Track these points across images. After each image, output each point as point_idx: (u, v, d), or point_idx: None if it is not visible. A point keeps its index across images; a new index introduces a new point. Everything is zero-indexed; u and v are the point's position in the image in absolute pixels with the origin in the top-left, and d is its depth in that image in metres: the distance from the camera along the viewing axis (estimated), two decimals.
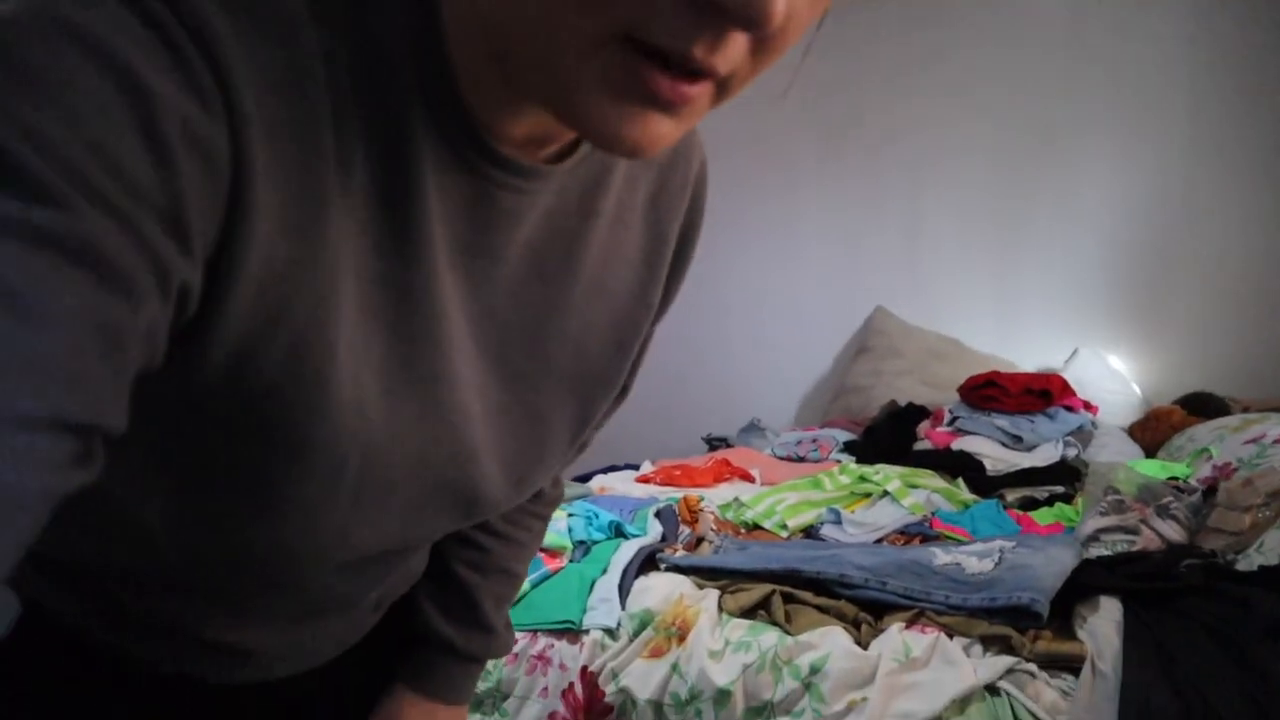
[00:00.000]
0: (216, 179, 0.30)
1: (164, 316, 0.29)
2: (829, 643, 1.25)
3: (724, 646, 1.30)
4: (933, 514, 1.80)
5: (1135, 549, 1.52)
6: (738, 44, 0.31)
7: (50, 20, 0.25)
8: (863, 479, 1.97)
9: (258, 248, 0.32)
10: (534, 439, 0.52)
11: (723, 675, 1.26)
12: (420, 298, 0.41)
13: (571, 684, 1.35)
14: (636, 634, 1.36)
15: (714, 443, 2.90)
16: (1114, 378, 2.89)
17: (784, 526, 1.75)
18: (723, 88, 0.34)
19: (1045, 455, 2.21)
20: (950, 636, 1.23)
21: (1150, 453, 2.31)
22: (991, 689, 1.15)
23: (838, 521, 1.75)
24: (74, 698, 0.54)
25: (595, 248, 0.49)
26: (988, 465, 2.17)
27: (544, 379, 0.51)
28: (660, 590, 1.42)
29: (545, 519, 0.75)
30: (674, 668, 1.29)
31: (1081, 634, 1.20)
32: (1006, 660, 1.17)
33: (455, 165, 0.39)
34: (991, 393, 2.41)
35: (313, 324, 0.36)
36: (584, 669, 1.35)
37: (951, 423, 2.41)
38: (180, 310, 0.31)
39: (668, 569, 1.52)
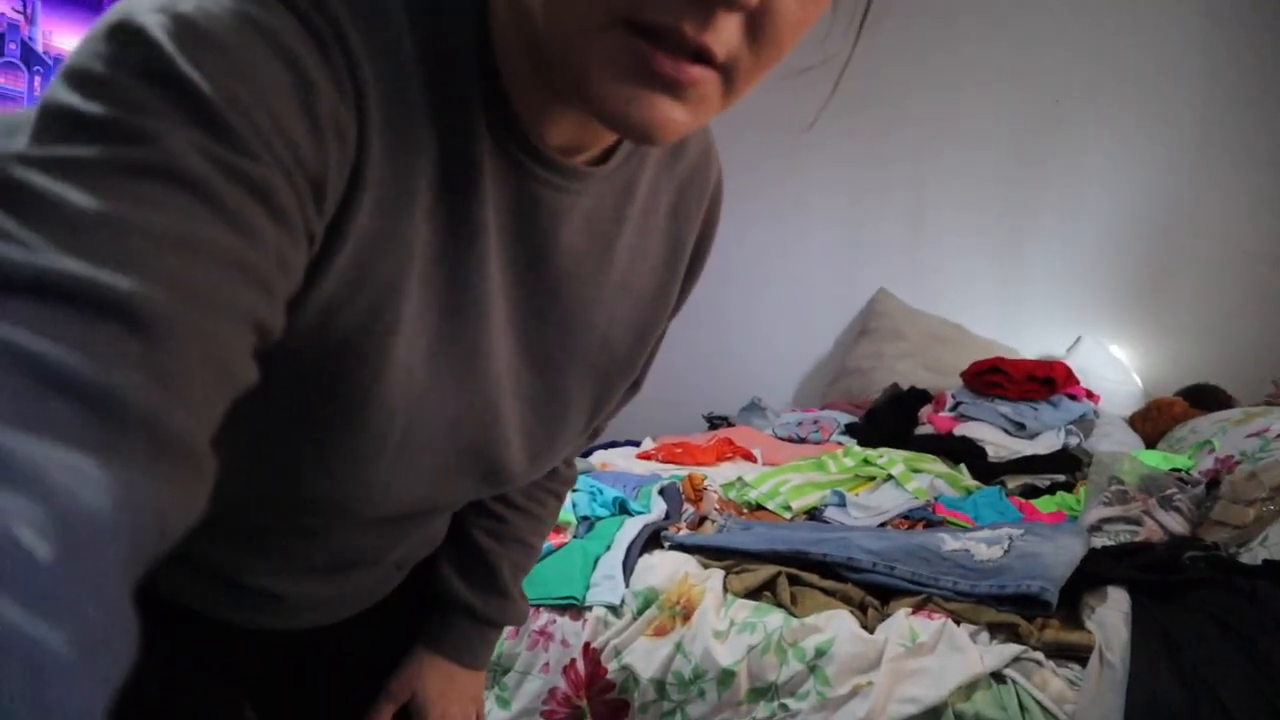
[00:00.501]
0: (345, 159, 0.36)
1: (303, 263, 0.35)
2: (835, 626, 1.25)
3: (729, 627, 1.29)
4: (936, 499, 1.80)
5: (1138, 540, 1.52)
6: (728, 25, 0.34)
7: (241, 15, 0.32)
8: (866, 462, 1.97)
9: (361, 219, 0.38)
10: (554, 420, 0.57)
11: (727, 656, 1.25)
12: (471, 278, 0.45)
13: (573, 660, 1.35)
14: (640, 612, 1.36)
15: (715, 421, 2.89)
16: (1115, 367, 2.88)
17: (788, 508, 1.74)
18: (728, 79, 0.36)
19: (1047, 443, 2.21)
20: (957, 623, 1.23)
21: (1151, 444, 2.31)
22: (998, 676, 1.15)
23: (841, 504, 1.75)
24: None
25: (623, 249, 0.54)
26: (989, 452, 2.17)
27: (571, 367, 0.55)
28: (665, 569, 1.42)
29: (560, 497, 0.78)
30: (678, 647, 1.29)
31: (1089, 624, 1.20)
32: (1014, 648, 1.17)
33: (505, 161, 0.44)
34: (995, 379, 2.40)
35: (388, 290, 0.41)
36: (586, 645, 1.35)
37: (954, 408, 2.40)
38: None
39: (672, 547, 1.51)
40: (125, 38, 0.30)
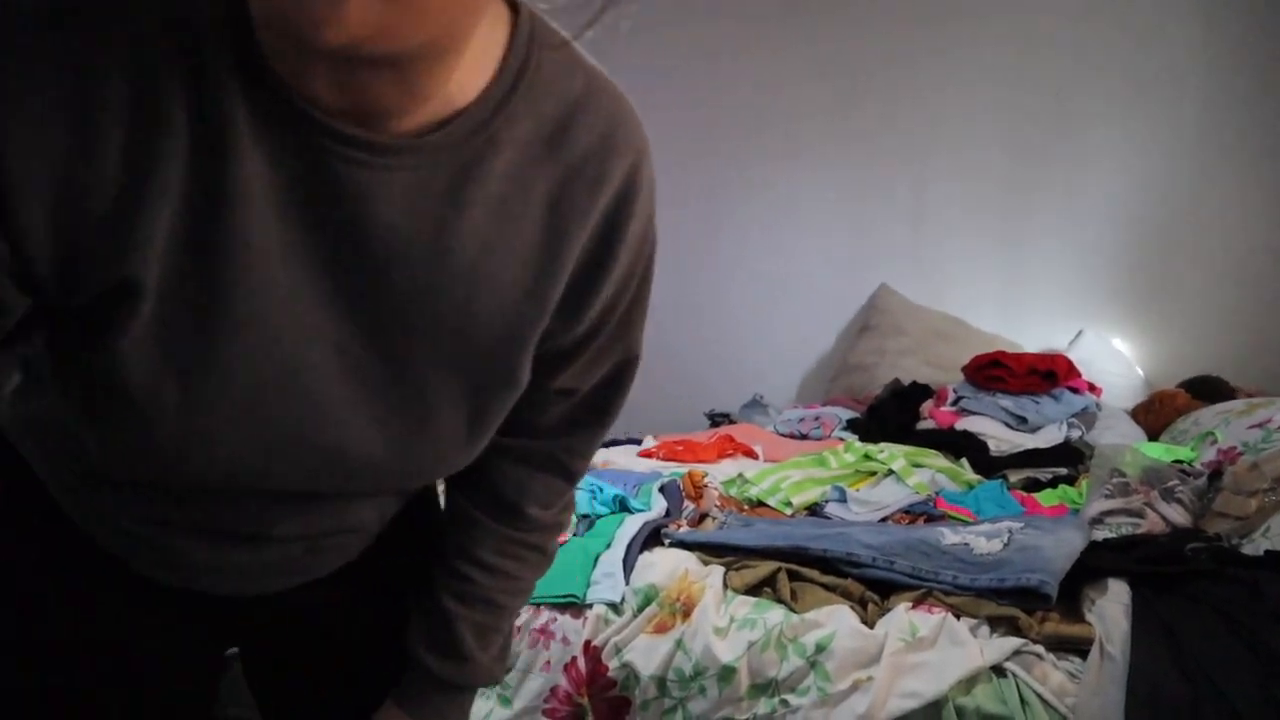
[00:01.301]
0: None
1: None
2: (835, 621, 1.25)
3: (729, 623, 1.29)
4: (937, 493, 1.79)
5: (1140, 532, 1.52)
6: None
7: None
8: (867, 457, 1.96)
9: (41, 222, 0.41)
10: (419, 417, 0.55)
11: (728, 652, 1.25)
12: (225, 247, 0.45)
13: (574, 658, 1.35)
14: (641, 609, 1.36)
15: (716, 419, 2.89)
16: (1117, 360, 2.88)
17: (788, 504, 1.74)
18: None
19: (1049, 437, 2.20)
20: (957, 617, 1.22)
21: (1153, 436, 2.30)
22: (998, 670, 1.15)
23: (842, 500, 1.75)
24: (44, 569, 0.63)
25: (469, 235, 0.50)
26: (991, 446, 2.16)
27: (422, 355, 0.53)
28: (665, 566, 1.42)
29: (540, 549, 0.72)
30: (678, 644, 1.29)
31: (1090, 616, 1.20)
32: (1014, 641, 1.17)
33: (284, 136, 0.44)
34: (997, 373, 2.39)
35: (114, 257, 0.43)
36: (587, 643, 1.35)
37: (956, 402, 2.40)
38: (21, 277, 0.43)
39: (672, 544, 1.51)
40: None
